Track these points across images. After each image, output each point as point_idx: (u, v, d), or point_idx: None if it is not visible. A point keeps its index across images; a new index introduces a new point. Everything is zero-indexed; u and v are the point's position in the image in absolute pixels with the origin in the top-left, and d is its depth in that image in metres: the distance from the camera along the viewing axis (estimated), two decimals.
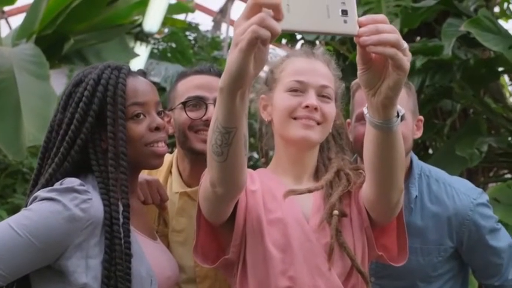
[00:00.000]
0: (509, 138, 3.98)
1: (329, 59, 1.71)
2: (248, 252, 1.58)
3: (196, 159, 1.87)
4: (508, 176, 4.28)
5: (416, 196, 1.95)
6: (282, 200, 1.60)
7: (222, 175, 1.41)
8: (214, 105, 1.39)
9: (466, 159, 3.31)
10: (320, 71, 1.66)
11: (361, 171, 1.64)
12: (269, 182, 1.67)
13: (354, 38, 1.19)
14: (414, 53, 3.40)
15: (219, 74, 1.36)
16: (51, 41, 4.81)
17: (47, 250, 1.43)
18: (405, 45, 1.20)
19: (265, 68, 1.85)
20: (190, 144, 1.89)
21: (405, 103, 1.89)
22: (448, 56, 3.35)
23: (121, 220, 1.49)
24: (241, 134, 1.33)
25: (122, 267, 1.46)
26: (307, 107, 1.60)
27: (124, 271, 1.46)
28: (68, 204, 1.44)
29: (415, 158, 2.01)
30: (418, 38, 4.06)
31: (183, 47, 7.84)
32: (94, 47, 5.26)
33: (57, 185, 1.49)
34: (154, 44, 7.58)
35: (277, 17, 1.14)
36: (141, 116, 1.59)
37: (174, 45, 7.88)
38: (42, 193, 1.48)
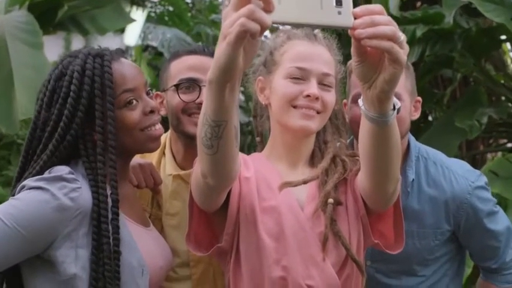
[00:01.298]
0: (510, 106, 3.94)
1: (331, 43, 1.66)
2: (241, 241, 1.55)
3: (190, 143, 1.83)
4: (509, 145, 4.25)
5: (413, 179, 1.92)
6: (277, 188, 1.57)
7: (213, 167, 1.37)
8: None
9: (465, 130, 3.28)
10: (322, 57, 1.61)
11: (357, 157, 1.60)
12: (263, 168, 1.63)
13: (349, 31, 1.13)
14: (415, 21, 3.34)
15: (213, 54, 1.32)
16: (44, 7, 4.69)
17: (35, 240, 1.40)
18: (402, 37, 1.14)
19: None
20: (184, 127, 1.85)
21: (403, 84, 1.84)
22: (450, 24, 3.28)
23: (110, 216, 1.46)
24: (232, 127, 1.29)
25: (110, 267, 1.43)
26: (308, 96, 1.56)
27: (113, 269, 1.43)
28: (56, 193, 1.41)
29: (412, 139, 1.97)
30: (419, 4, 3.99)
31: (181, 11, 7.75)
32: (89, 13, 5.13)
33: (45, 174, 1.46)
34: (151, 7, 7.47)
35: (268, 9, 1.08)
36: (134, 102, 1.55)
37: (171, 8, 7.79)
38: (30, 182, 1.44)
